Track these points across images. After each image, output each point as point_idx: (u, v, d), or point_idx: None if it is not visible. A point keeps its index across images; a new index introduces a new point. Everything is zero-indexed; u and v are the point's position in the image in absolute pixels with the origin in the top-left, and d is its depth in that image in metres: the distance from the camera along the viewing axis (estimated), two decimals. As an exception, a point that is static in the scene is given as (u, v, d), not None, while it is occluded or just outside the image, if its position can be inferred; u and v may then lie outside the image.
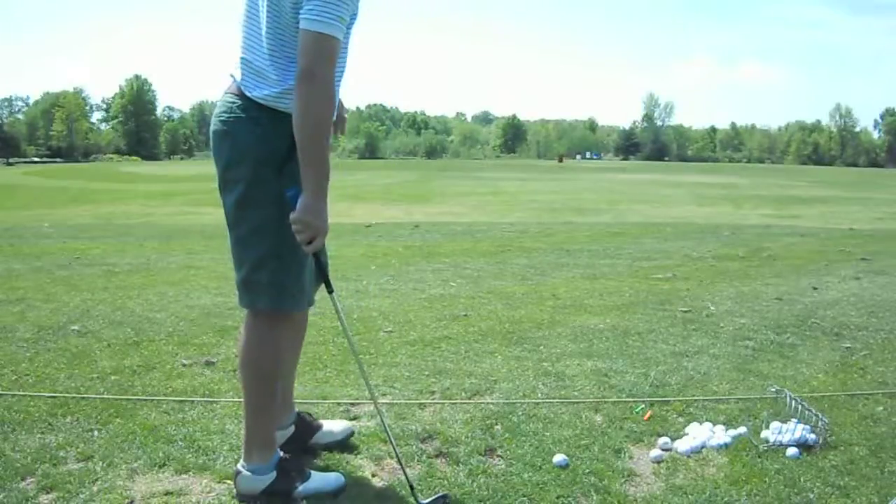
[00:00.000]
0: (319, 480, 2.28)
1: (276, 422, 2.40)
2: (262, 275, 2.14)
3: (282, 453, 2.33)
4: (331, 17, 1.95)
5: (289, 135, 2.03)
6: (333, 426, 2.64)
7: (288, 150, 2.07)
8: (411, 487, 2.23)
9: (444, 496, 2.23)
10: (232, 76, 2.19)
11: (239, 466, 2.26)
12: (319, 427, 2.61)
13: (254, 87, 2.12)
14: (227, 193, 2.17)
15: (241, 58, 2.16)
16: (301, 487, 2.24)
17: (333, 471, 2.37)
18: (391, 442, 2.31)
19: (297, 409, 2.62)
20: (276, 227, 2.09)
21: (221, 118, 2.14)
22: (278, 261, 2.13)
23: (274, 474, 2.24)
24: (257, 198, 2.11)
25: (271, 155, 2.09)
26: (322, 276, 2.20)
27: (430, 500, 2.19)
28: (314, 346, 3.79)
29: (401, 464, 2.29)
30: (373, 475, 2.39)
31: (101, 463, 2.41)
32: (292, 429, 2.56)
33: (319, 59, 1.96)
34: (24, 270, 6.56)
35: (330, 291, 2.21)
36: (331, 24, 1.96)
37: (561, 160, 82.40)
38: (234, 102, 2.13)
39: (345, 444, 2.59)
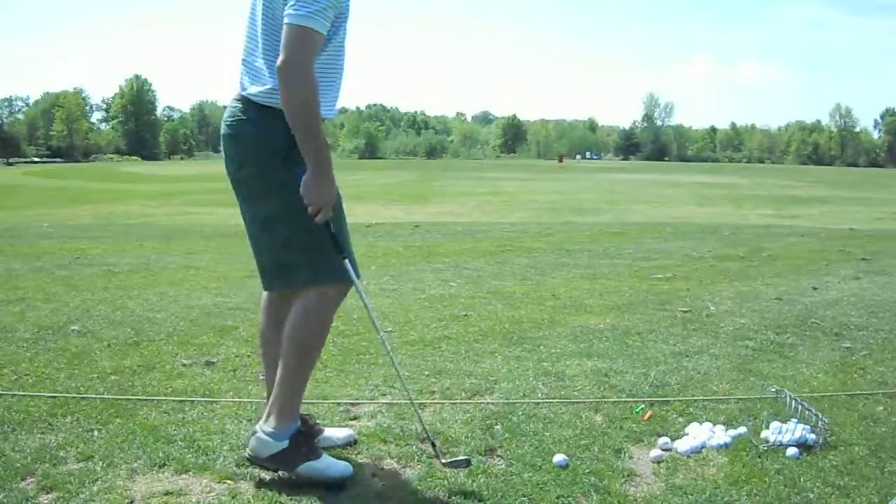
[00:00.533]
0: (326, 464, 2.32)
1: (302, 395, 2.45)
2: (290, 255, 2.30)
3: (300, 427, 2.38)
4: (310, 11, 2.08)
5: (283, 128, 2.18)
6: (336, 433, 2.66)
7: (287, 143, 2.21)
8: (433, 445, 2.40)
9: (466, 459, 2.35)
10: (239, 81, 2.33)
11: (257, 426, 2.34)
12: (320, 432, 2.62)
13: (250, 85, 2.27)
14: (239, 191, 2.35)
15: (242, 59, 2.31)
16: (305, 465, 2.29)
17: (344, 459, 2.39)
18: (421, 422, 2.50)
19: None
20: (291, 214, 2.23)
21: (227, 122, 2.32)
22: (300, 241, 2.27)
23: (286, 444, 2.30)
24: (267, 191, 2.27)
25: (272, 150, 2.23)
26: (333, 241, 2.28)
27: (452, 460, 2.33)
28: (314, 346, 3.78)
29: (425, 431, 2.48)
30: (373, 475, 2.39)
31: (101, 463, 2.41)
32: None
33: (297, 49, 2.08)
34: (24, 270, 6.57)
35: (343, 257, 2.30)
36: (310, 17, 2.08)
37: (561, 160, 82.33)
38: (236, 107, 2.30)
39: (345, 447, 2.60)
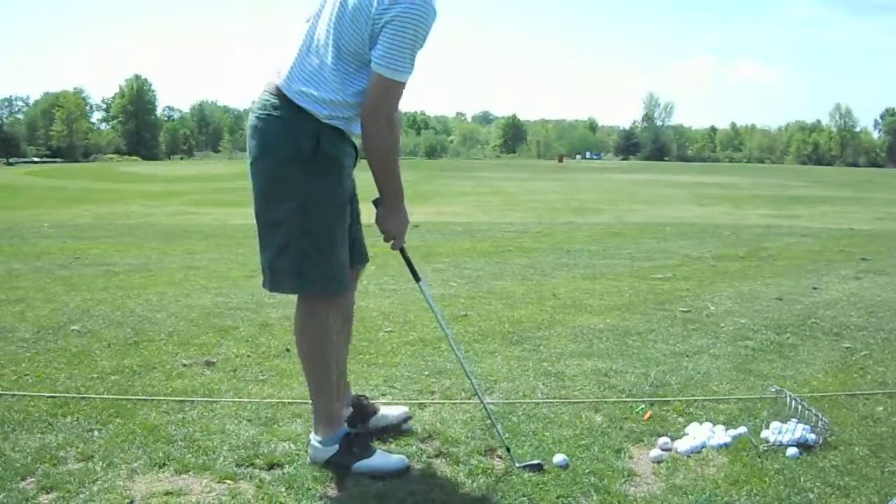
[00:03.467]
0: (380, 459, 2.40)
1: (337, 399, 2.50)
2: (284, 261, 2.31)
3: (348, 429, 2.48)
4: (401, 65, 2.14)
5: (313, 135, 2.21)
6: (390, 411, 2.77)
7: (312, 149, 2.22)
8: (508, 450, 2.49)
9: (539, 463, 2.43)
10: (279, 73, 2.30)
11: (311, 436, 2.46)
12: (376, 411, 2.74)
13: (296, 82, 2.24)
14: (253, 183, 2.34)
15: (298, 53, 2.29)
16: (359, 463, 2.38)
17: (399, 453, 2.46)
18: (496, 426, 2.63)
19: (353, 392, 2.76)
20: (297, 219, 2.26)
21: (256, 114, 2.30)
22: (298, 248, 2.28)
23: (336, 448, 2.39)
24: (280, 191, 2.27)
25: (295, 152, 2.23)
26: (409, 267, 2.56)
27: (526, 463, 2.43)
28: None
29: (499, 434, 2.57)
30: (373, 475, 2.39)
31: (101, 463, 2.41)
32: (350, 410, 2.68)
33: (386, 101, 2.19)
34: (24, 270, 6.57)
35: (417, 280, 2.56)
36: (400, 71, 2.16)
37: (561, 160, 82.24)
38: (268, 101, 2.29)
39: (401, 429, 2.71)
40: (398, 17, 2.11)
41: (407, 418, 2.77)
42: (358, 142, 2.37)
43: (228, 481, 2.31)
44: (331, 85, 2.22)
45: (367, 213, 2.50)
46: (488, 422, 2.81)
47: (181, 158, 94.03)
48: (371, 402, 2.77)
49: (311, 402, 2.51)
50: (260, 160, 2.28)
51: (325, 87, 2.23)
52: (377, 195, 2.38)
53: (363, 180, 2.46)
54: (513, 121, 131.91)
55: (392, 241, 2.44)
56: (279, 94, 2.26)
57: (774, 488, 2.32)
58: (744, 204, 20.03)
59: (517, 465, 2.43)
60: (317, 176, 2.24)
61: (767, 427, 2.72)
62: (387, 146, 2.25)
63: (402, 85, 2.19)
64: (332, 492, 2.28)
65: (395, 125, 2.24)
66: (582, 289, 5.81)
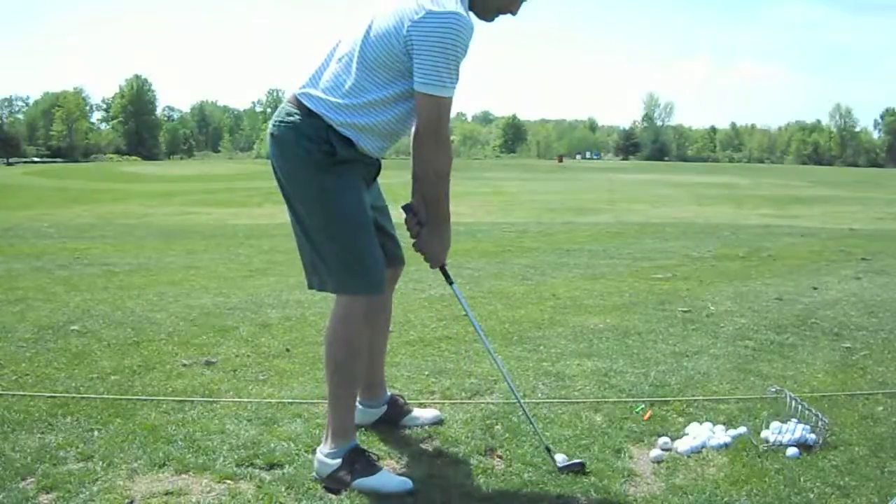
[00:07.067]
0: (383, 480, 2.29)
1: (352, 413, 2.46)
2: (319, 261, 2.35)
3: (357, 444, 2.39)
4: (441, 79, 2.13)
5: (324, 138, 2.22)
6: (423, 413, 2.81)
7: (323, 151, 2.23)
8: (548, 449, 2.45)
9: (581, 463, 2.41)
10: (299, 84, 2.33)
11: (318, 449, 2.39)
12: (409, 412, 2.79)
13: (312, 87, 2.27)
14: (281, 191, 2.37)
15: (324, 60, 2.32)
16: (360, 480, 2.28)
17: (403, 475, 2.35)
18: (529, 418, 2.68)
19: (390, 392, 2.80)
20: (320, 222, 2.29)
21: (275, 122, 2.32)
22: (327, 250, 2.31)
23: (339, 462, 2.31)
24: (299, 196, 2.31)
25: (306, 154, 2.25)
26: (444, 275, 2.50)
27: (568, 464, 2.39)
28: (314, 347, 3.79)
29: (538, 434, 2.54)
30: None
31: (101, 463, 2.41)
32: (385, 408, 2.72)
33: (434, 119, 2.18)
34: (24, 270, 6.57)
35: (450, 283, 2.52)
36: (440, 86, 2.14)
37: (561, 160, 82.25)
38: (284, 109, 2.31)
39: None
40: (431, 32, 2.11)
41: (439, 421, 2.78)
42: (370, 154, 2.35)
43: (228, 481, 2.31)
44: (345, 91, 2.23)
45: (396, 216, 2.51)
46: (489, 422, 2.82)
47: (181, 158, 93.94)
48: (405, 402, 2.82)
49: (327, 410, 2.44)
50: (279, 166, 2.33)
51: (339, 92, 2.23)
52: (407, 200, 2.40)
53: (389, 185, 2.45)
54: (513, 121, 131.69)
55: (430, 262, 2.47)
56: (296, 102, 2.29)
57: (774, 488, 2.32)
58: (744, 204, 20.03)
59: (559, 466, 2.39)
60: (330, 177, 2.25)
61: (767, 427, 2.72)
62: (438, 168, 2.25)
63: (447, 100, 2.17)
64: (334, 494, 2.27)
65: (448, 147, 2.24)
66: (582, 289, 5.81)
